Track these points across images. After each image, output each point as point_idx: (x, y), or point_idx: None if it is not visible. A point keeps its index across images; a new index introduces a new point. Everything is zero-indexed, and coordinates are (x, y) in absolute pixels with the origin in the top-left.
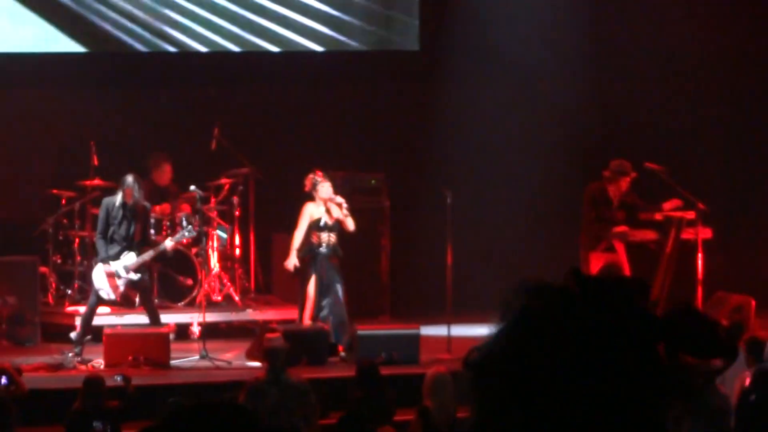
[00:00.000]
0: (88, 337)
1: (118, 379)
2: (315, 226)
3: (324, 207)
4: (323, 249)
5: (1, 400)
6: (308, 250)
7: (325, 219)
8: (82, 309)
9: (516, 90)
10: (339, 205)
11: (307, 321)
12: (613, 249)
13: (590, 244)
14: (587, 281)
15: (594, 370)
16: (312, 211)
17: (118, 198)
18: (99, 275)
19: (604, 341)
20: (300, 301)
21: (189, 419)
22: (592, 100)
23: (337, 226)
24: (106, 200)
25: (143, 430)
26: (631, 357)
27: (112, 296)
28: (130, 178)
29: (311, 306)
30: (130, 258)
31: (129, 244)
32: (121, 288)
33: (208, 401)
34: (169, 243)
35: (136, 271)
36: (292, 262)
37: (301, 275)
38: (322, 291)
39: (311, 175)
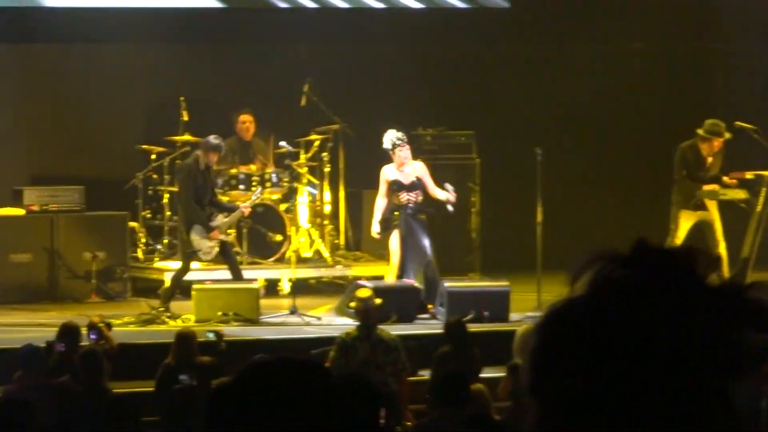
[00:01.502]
0: (176, 294)
1: (211, 335)
2: (394, 187)
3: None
4: (407, 208)
5: (92, 351)
6: (392, 210)
7: (401, 179)
8: (172, 264)
9: (607, 48)
10: (449, 201)
11: (392, 279)
12: (704, 207)
13: (681, 202)
14: (651, 252)
15: (656, 343)
16: (388, 174)
17: (201, 161)
18: (197, 238)
19: (667, 314)
20: (389, 260)
21: (263, 375)
22: (685, 59)
23: (418, 186)
24: (188, 164)
25: (218, 384)
26: (692, 327)
27: (209, 257)
28: (214, 141)
29: (397, 264)
30: (219, 219)
31: (212, 206)
32: (216, 249)
33: (284, 357)
34: (246, 209)
35: (226, 231)
36: (375, 230)
37: (387, 235)
38: (408, 249)
39: (392, 135)
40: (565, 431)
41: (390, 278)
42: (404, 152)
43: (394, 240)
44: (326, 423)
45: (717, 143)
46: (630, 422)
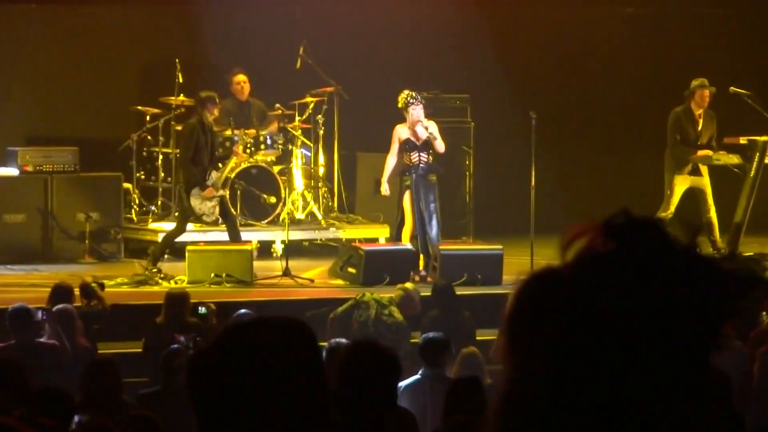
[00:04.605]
0: (165, 256)
1: (203, 309)
2: (406, 147)
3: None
4: (417, 170)
5: (64, 310)
6: (403, 170)
7: (413, 138)
8: (165, 225)
9: (600, 10)
10: (426, 129)
11: (405, 239)
12: (699, 172)
13: (675, 167)
14: (633, 224)
15: (632, 316)
16: (401, 133)
17: (201, 119)
18: (197, 200)
19: (647, 286)
20: (398, 220)
21: (243, 336)
22: (678, 23)
23: (429, 146)
24: (192, 124)
25: (199, 350)
26: (671, 299)
27: (213, 218)
28: (213, 95)
29: (410, 225)
30: (214, 175)
31: (210, 164)
32: (217, 208)
33: (266, 317)
34: (235, 148)
35: (223, 186)
36: (385, 188)
37: (397, 195)
38: (418, 210)
39: (405, 93)
40: (532, 398)
41: (399, 239)
42: (417, 111)
43: (407, 201)
44: (309, 382)
45: (704, 96)
46: (601, 394)
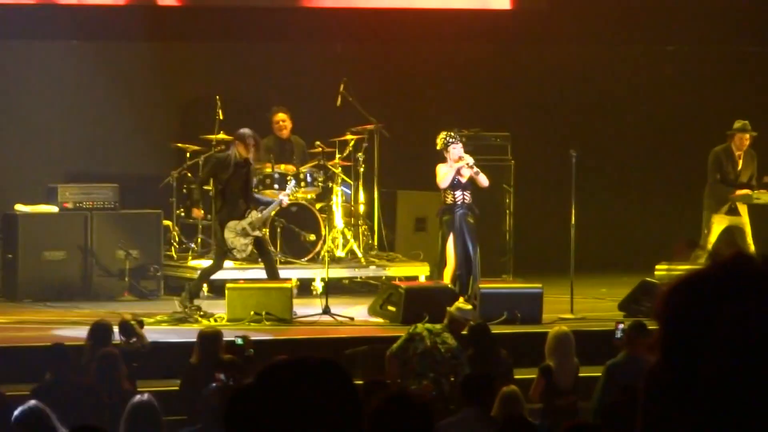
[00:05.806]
0: (204, 294)
1: (239, 341)
2: (449, 186)
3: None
4: (458, 209)
5: (108, 353)
6: (444, 210)
7: (457, 178)
8: (205, 263)
9: (640, 50)
10: (469, 167)
11: (448, 280)
12: (737, 211)
13: (713, 206)
14: None
15: None
16: (445, 172)
17: (229, 155)
18: (231, 236)
19: None
20: (440, 261)
21: (281, 376)
22: (719, 62)
23: (471, 185)
24: (218, 156)
25: (237, 390)
26: None
27: (244, 255)
28: (247, 132)
29: (453, 266)
30: (254, 215)
31: (248, 201)
32: (250, 246)
33: (303, 358)
34: (284, 198)
35: (261, 227)
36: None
37: (438, 235)
38: (460, 250)
39: (443, 134)
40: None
41: (442, 279)
42: (457, 149)
43: (450, 245)
44: (344, 421)
45: (744, 140)
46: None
